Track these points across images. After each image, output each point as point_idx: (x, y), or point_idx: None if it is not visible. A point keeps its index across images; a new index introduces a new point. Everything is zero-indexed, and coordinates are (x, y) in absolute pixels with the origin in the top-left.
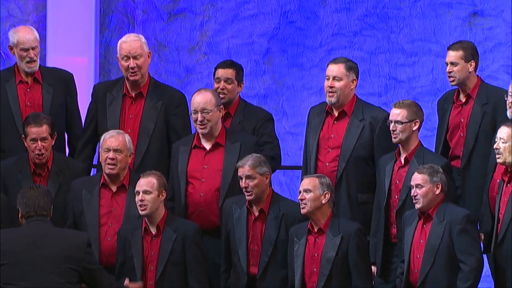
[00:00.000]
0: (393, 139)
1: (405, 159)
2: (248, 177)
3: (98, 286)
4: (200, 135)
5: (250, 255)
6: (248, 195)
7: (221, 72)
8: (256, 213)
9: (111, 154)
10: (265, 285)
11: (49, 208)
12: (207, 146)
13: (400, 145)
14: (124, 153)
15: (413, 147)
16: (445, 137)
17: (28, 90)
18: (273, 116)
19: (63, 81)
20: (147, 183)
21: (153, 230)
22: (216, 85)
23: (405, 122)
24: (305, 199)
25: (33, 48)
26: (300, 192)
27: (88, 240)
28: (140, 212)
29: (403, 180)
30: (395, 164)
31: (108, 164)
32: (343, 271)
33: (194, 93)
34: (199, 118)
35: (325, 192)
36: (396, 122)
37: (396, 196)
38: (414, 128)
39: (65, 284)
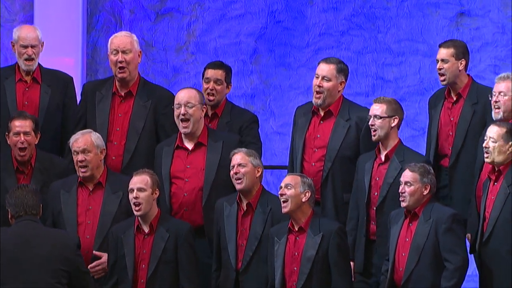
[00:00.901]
0: (372, 136)
1: (386, 156)
2: (240, 164)
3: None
4: (183, 136)
5: (239, 250)
6: (238, 183)
7: (211, 73)
8: (245, 208)
9: (79, 157)
10: (247, 280)
11: (38, 207)
12: (189, 146)
13: (380, 143)
14: (93, 151)
15: (393, 145)
16: (437, 135)
17: (27, 89)
18: (258, 117)
19: (62, 83)
20: (140, 180)
21: (146, 229)
22: (205, 85)
23: (384, 116)
24: (285, 194)
25: (32, 46)
26: (281, 187)
27: (78, 241)
28: (135, 212)
29: (383, 177)
30: (375, 161)
31: (80, 167)
32: (323, 270)
33: (178, 91)
34: (182, 111)
35: (305, 191)
36: (375, 116)
37: (376, 193)
38: (393, 124)
39: (55, 284)
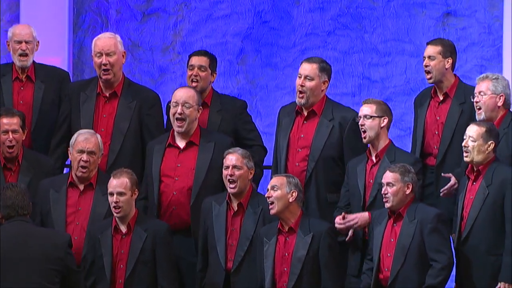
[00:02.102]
0: (363, 139)
1: (376, 156)
2: (235, 166)
3: (74, 285)
4: (175, 134)
5: (228, 250)
6: (231, 187)
7: (195, 60)
8: (235, 208)
9: (85, 157)
10: (239, 280)
11: (29, 207)
12: (181, 144)
13: (370, 145)
14: (97, 154)
15: (384, 145)
16: (423, 134)
17: (22, 88)
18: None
19: (56, 79)
20: (120, 184)
21: (124, 229)
22: (189, 72)
23: (374, 116)
24: (272, 196)
25: (26, 42)
26: (268, 190)
27: (69, 240)
28: (115, 214)
29: (374, 177)
30: (367, 164)
31: (81, 167)
32: (313, 271)
33: (177, 89)
34: (179, 110)
35: (292, 191)
36: (365, 116)
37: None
38: (383, 125)
39: (47, 285)
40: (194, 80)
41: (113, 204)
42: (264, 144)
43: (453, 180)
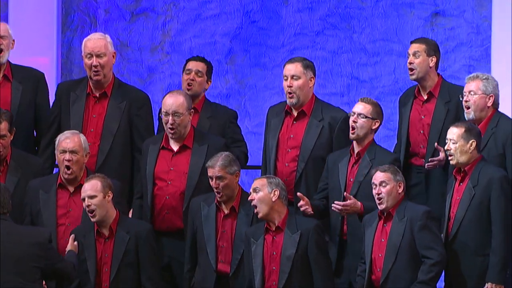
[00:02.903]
0: (350, 134)
1: (357, 154)
2: (218, 177)
3: (60, 277)
4: (169, 136)
5: (218, 252)
6: (219, 196)
7: (192, 64)
8: (226, 211)
9: (67, 156)
10: (239, 283)
11: (8, 204)
12: (175, 147)
13: (354, 142)
14: (80, 153)
15: (367, 143)
16: (408, 133)
17: None
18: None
19: (33, 79)
20: (90, 187)
21: (106, 232)
22: (185, 77)
23: (369, 117)
24: (254, 199)
25: (1, 37)
26: (250, 193)
27: (50, 236)
28: (91, 219)
29: (355, 176)
30: (349, 162)
31: (66, 167)
32: (303, 268)
33: (166, 94)
34: (170, 121)
35: (273, 190)
36: (360, 114)
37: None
38: (374, 127)
39: (26, 283)
40: (190, 84)
41: (87, 209)
42: (253, 144)
43: (441, 155)
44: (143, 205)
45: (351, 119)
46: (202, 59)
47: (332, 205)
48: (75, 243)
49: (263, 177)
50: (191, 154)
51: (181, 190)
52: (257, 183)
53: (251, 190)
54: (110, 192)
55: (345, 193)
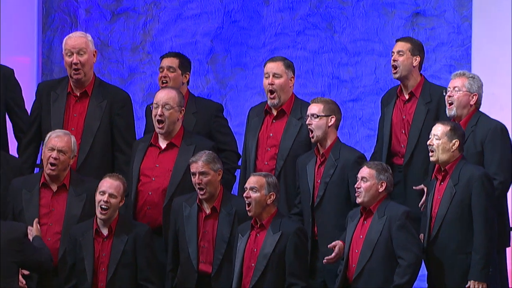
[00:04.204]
0: (310, 137)
1: (322, 155)
2: (201, 173)
3: (37, 267)
4: (158, 134)
5: (200, 252)
6: (201, 193)
7: (164, 61)
8: (208, 211)
9: (54, 154)
10: (220, 284)
11: None
12: (162, 145)
13: (318, 144)
14: (68, 154)
15: (330, 143)
16: (390, 133)
17: None
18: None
19: (2, 77)
20: (115, 186)
21: (105, 232)
22: (160, 75)
23: (321, 115)
24: (250, 197)
25: None
26: (246, 189)
27: (25, 231)
28: (100, 215)
29: (321, 177)
30: (316, 163)
31: (50, 164)
32: (278, 268)
33: (158, 90)
34: (159, 112)
35: (270, 193)
36: (312, 115)
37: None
38: (330, 124)
39: (3, 279)
40: (163, 81)
41: (102, 204)
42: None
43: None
44: (127, 203)
45: (306, 122)
46: (173, 54)
47: (324, 262)
48: (39, 227)
49: (261, 175)
50: (177, 152)
51: (164, 187)
52: (255, 181)
53: (247, 186)
54: (124, 198)
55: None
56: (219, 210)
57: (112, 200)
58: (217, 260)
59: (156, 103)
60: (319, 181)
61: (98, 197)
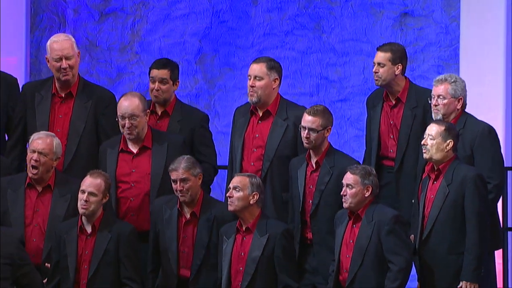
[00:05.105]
0: (305, 144)
1: (316, 162)
2: (182, 180)
3: (29, 284)
4: (127, 139)
5: (180, 257)
6: (182, 197)
7: (155, 73)
8: (188, 216)
9: (35, 156)
10: None
11: None
12: (134, 149)
13: (310, 150)
14: (49, 156)
15: (323, 150)
16: (379, 137)
17: None
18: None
19: (2, 85)
20: (94, 184)
21: (89, 229)
22: (151, 85)
23: (320, 130)
24: (233, 197)
25: None
26: (229, 189)
27: (21, 237)
28: (81, 210)
29: (315, 184)
30: (307, 169)
31: (32, 166)
32: (268, 272)
33: (121, 97)
34: (127, 125)
35: (254, 193)
36: (311, 130)
37: (310, 201)
38: (327, 134)
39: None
40: (156, 93)
41: (82, 202)
42: (223, 144)
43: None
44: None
45: (303, 134)
46: (164, 65)
47: None
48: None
49: (245, 175)
50: (151, 154)
51: (145, 191)
52: (238, 181)
53: (230, 186)
54: (108, 195)
55: None
56: (199, 215)
57: (92, 198)
58: (195, 266)
59: (122, 115)
60: (311, 187)
61: (79, 195)
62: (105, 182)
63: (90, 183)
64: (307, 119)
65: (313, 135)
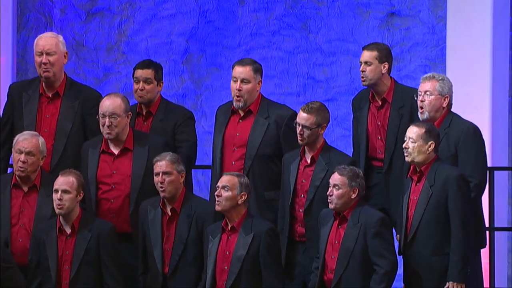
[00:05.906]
0: (299, 140)
1: (311, 158)
2: (165, 173)
3: (13, 285)
4: (108, 140)
5: (165, 255)
6: (162, 192)
7: (139, 73)
8: (169, 213)
9: (22, 157)
10: (176, 284)
11: None
12: (115, 151)
13: (305, 146)
14: (36, 156)
15: (319, 146)
16: (367, 139)
17: None
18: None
19: None
20: (66, 182)
21: (68, 230)
22: (135, 86)
23: (314, 128)
24: (221, 196)
25: None
26: (218, 187)
27: (5, 239)
28: (57, 210)
29: (309, 179)
30: (301, 163)
31: (19, 167)
32: (253, 270)
33: (104, 97)
34: (107, 123)
35: (242, 193)
36: (305, 127)
37: (303, 195)
38: (322, 132)
39: None
40: (140, 93)
41: (57, 202)
42: (209, 144)
43: None
44: (86, 208)
45: (298, 130)
46: (148, 65)
47: None
48: None
49: (234, 175)
50: (132, 156)
51: (126, 193)
52: (227, 180)
53: (219, 185)
54: (82, 192)
55: None
56: (179, 212)
57: (65, 196)
58: (174, 261)
59: (103, 114)
60: (303, 181)
61: (53, 196)
62: (77, 180)
63: (62, 181)
64: (302, 116)
65: (306, 132)
